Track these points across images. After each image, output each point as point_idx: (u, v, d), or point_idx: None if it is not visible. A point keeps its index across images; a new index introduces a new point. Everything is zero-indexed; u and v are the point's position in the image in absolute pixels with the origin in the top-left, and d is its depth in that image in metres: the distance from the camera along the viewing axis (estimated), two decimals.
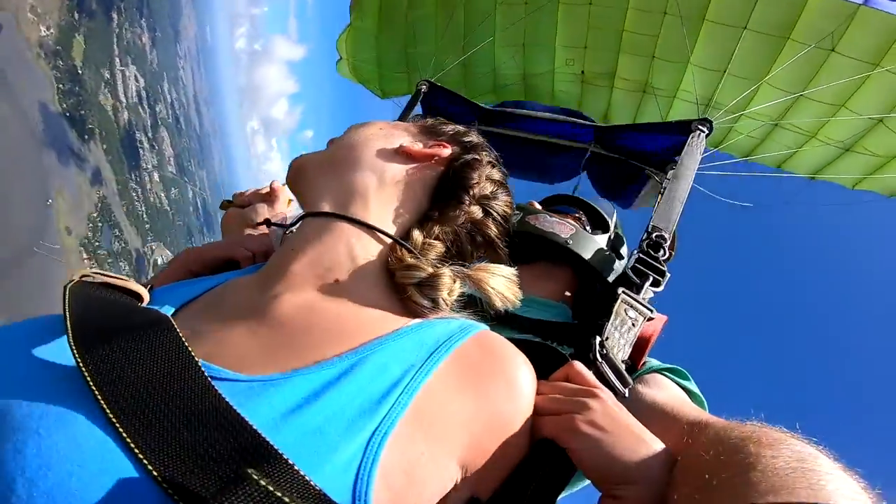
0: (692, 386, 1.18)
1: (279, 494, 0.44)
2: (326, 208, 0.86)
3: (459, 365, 0.68)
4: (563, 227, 1.54)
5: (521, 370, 0.75)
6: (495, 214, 0.96)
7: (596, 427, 0.75)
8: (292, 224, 1.06)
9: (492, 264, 0.89)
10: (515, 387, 0.73)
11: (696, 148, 1.72)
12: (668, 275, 1.37)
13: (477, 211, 0.93)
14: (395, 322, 0.74)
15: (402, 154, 0.92)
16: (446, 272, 0.81)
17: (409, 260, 0.82)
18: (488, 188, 0.96)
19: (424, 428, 0.60)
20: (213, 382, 0.56)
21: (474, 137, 1.03)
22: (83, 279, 0.72)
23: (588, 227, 1.65)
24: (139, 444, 0.49)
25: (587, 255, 1.51)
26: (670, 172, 1.75)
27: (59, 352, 0.59)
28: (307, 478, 0.48)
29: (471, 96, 2.75)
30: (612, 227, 1.68)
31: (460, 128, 1.05)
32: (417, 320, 0.77)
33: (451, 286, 0.80)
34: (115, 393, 0.52)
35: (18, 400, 0.52)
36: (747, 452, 0.65)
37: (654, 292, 1.36)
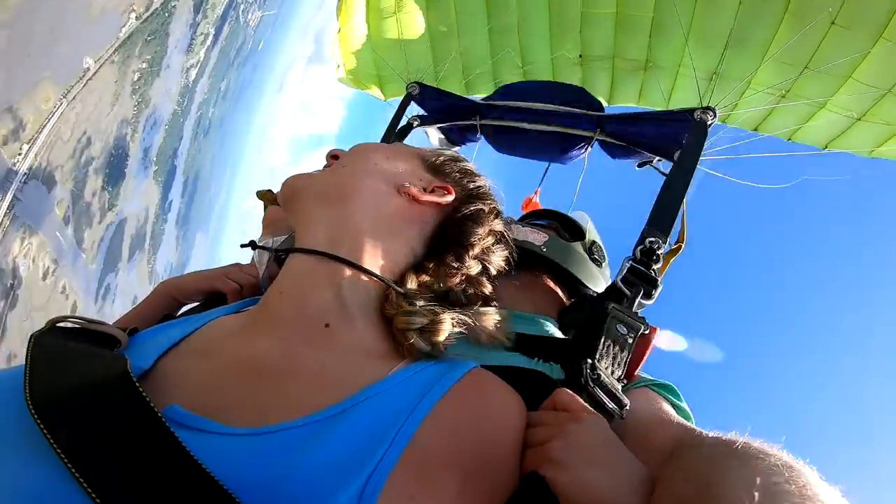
0: (682, 403, 1.16)
1: None
2: (317, 244, 0.83)
3: (449, 408, 0.68)
4: (537, 236, 1.54)
5: (510, 408, 0.76)
6: (492, 270, 0.95)
7: (572, 454, 0.73)
8: (278, 249, 1.04)
9: (483, 308, 0.91)
10: (504, 425, 0.74)
11: (698, 139, 1.63)
12: (661, 286, 1.31)
13: (475, 266, 0.92)
14: (385, 366, 0.74)
15: (403, 193, 0.89)
16: (447, 318, 0.81)
17: (407, 306, 0.80)
18: (489, 242, 0.94)
19: (416, 473, 0.60)
20: (195, 434, 0.57)
21: (481, 182, 1.00)
22: (56, 326, 0.72)
23: (566, 237, 1.63)
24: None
25: (562, 260, 1.50)
26: (671, 167, 1.68)
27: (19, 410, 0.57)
28: None
29: (471, 92, 2.72)
30: (587, 235, 1.66)
31: (469, 167, 1.01)
32: (405, 362, 0.76)
33: (450, 331, 0.81)
34: (73, 448, 0.52)
35: None
36: (725, 470, 0.64)
37: (646, 304, 1.31)
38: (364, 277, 0.81)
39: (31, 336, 0.67)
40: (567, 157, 2.23)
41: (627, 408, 0.96)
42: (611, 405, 0.94)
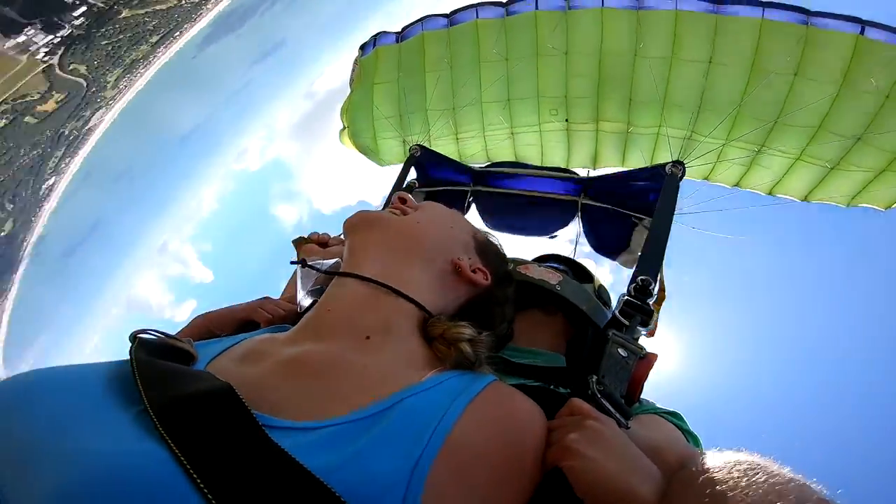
0: (689, 428, 1.22)
1: None
2: (372, 274, 0.92)
3: (478, 411, 0.74)
4: (551, 275, 1.62)
5: (531, 411, 0.82)
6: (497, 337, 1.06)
7: (589, 445, 0.78)
8: (326, 271, 1.16)
9: None
10: (527, 426, 0.79)
11: (671, 191, 1.78)
12: (657, 315, 1.43)
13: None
14: (418, 373, 0.81)
15: (452, 263, 1.01)
16: (486, 333, 0.93)
17: (453, 323, 0.91)
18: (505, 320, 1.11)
19: (453, 468, 0.65)
20: (266, 431, 0.62)
21: (509, 270, 1.17)
22: (141, 337, 0.79)
23: (576, 279, 1.71)
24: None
25: (576, 299, 1.58)
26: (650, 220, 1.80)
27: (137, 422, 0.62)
28: None
29: (463, 159, 2.88)
30: (595, 279, 1.76)
31: (502, 252, 1.18)
32: (436, 371, 0.83)
33: (490, 345, 0.91)
34: (203, 465, 0.55)
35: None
36: (729, 486, 0.67)
37: (645, 334, 1.44)
38: (407, 305, 0.91)
39: (130, 352, 0.73)
40: (551, 231, 2.37)
41: (632, 419, 1.03)
42: (616, 415, 0.99)
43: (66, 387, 0.67)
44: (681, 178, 1.82)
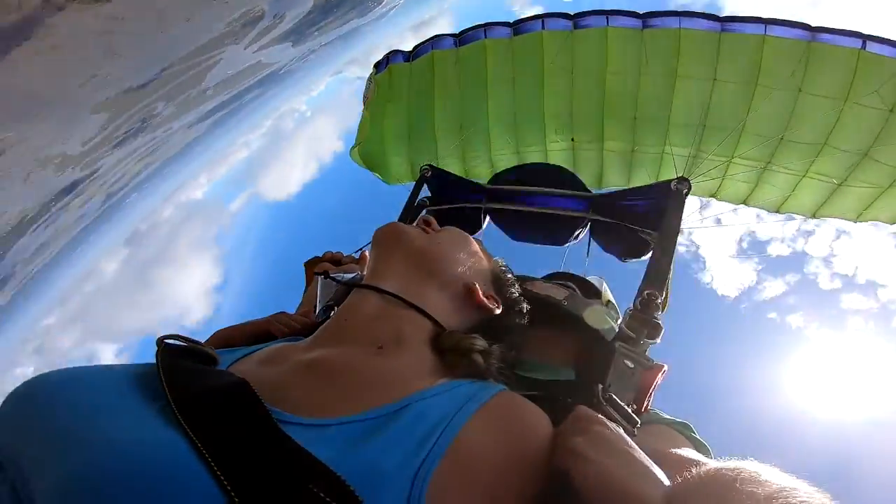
0: (699, 437, 1.22)
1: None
2: (390, 288, 0.97)
3: (487, 416, 0.77)
4: (559, 291, 1.63)
5: (539, 417, 0.83)
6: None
7: (593, 447, 0.77)
8: (347, 283, 1.22)
9: None
10: (534, 431, 0.80)
11: (677, 208, 1.80)
12: (663, 328, 1.45)
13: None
14: (429, 380, 0.85)
15: (466, 288, 1.05)
16: (497, 346, 0.97)
17: (467, 335, 0.96)
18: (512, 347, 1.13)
19: (459, 466, 0.67)
20: (281, 425, 0.65)
21: (522, 303, 1.19)
22: (166, 342, 0.82)
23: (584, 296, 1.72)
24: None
25: (583, 315, 1.57)
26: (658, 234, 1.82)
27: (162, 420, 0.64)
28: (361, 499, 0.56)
29: (471, 174, 2.90)
30: (603, 295, 1.78)
31: (517, 291, 1.20)
32: (447, 379, 0.86)
33: (500, 357, 0.96)
34: (225, 461, 0.57)
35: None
36: (736, 492, 0.66)
37: (652, 345, 1.45)
38: (421, 318, 0.96)
39: (156, 355, 0.77)
40: (565, 241, 2.37)
41: (640, 428, 1.04)
42: (624, 422, 1.01)
43: (92, 382, 0.71)
44: (686, 194, 1.84)
